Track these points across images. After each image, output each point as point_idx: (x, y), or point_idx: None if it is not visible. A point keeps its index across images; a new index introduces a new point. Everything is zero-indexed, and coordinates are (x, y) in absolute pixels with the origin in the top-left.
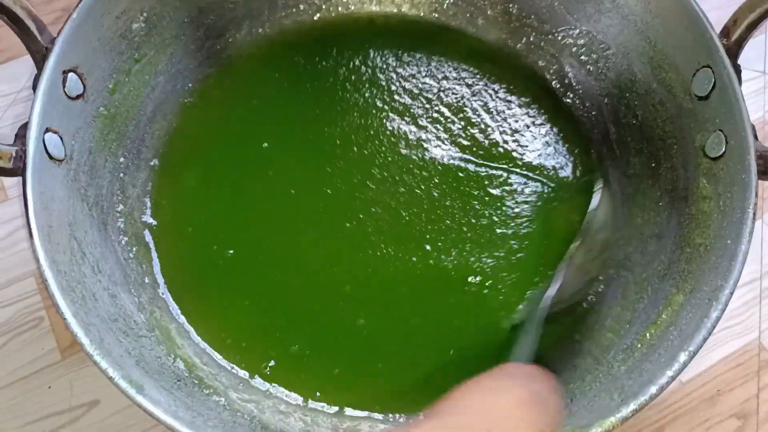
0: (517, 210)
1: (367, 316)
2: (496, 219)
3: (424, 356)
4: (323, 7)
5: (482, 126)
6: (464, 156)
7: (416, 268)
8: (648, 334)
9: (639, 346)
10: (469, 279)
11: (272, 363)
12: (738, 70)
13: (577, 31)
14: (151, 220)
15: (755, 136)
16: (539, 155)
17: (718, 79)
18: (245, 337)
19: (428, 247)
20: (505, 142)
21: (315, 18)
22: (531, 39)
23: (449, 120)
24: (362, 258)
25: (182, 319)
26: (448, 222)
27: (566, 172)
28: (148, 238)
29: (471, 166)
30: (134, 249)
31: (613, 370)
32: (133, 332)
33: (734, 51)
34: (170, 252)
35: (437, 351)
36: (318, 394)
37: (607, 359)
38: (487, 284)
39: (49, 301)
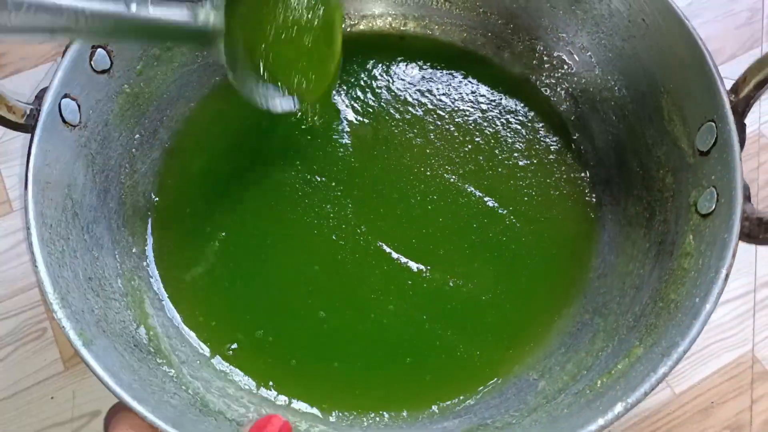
0: (499, 238)
1: (328, 310)
2: (479, 241)
3: (380, 361)
4: (358, 22)
5: (489, 154)
6: (466, 183)
7: (388, 273)
8: (599, 382)
9: (588, 392)
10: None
11: (235, 345)
12: (742, 129)
13: (596, 73)
14: (153, 197)
15: (747, 197)
16: (539, 197)
17: (720, 134)
18: (216, 316)
19: (415, 266)
20: (510, 177)
21: (350, 30)
22: (552, 77)
23: (458, 140)
24: (337, 257)
25: (161, 291)
26: (434, 234)
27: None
28: (147, 212)
29: (471, 188)
30: (130, 220)
31: (556, 412)
32: (104, 294)
33: (741, 109)
34: (165, 228)
35: (394, 358)
36: (271, 383)
37: (556, 401)
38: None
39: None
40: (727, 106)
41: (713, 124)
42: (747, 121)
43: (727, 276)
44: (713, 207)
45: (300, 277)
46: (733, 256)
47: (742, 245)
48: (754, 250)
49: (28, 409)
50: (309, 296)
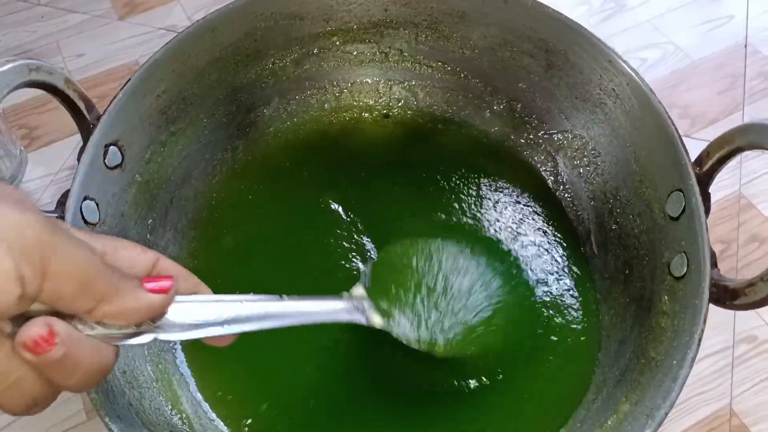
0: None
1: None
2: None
3: None
4: (345, 90)
5: (476, 217)
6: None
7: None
8: None
9: None
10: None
11: (249, 421)
12: (707, 198)
13: (572, 135)
14: None
15: (714, 264)
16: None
17: (687, 204)
18: (231, 390)
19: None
20: (498, 240)
21: (335, 102)
22: (531, 136)
23: (444, 202)
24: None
25: (186, 370)
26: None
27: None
28: None
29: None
30: None
31: None
32: (138, 383)
33: (705, 180)
34: None
35: None
36: None
37: None
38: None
39: None
40: (694, 179)
41: (681, 193)
42: (727, 181)
43: (699, 340)
44: (685, 271)
45: (300, 354)
46: (704, 321)
47: None
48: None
49: None
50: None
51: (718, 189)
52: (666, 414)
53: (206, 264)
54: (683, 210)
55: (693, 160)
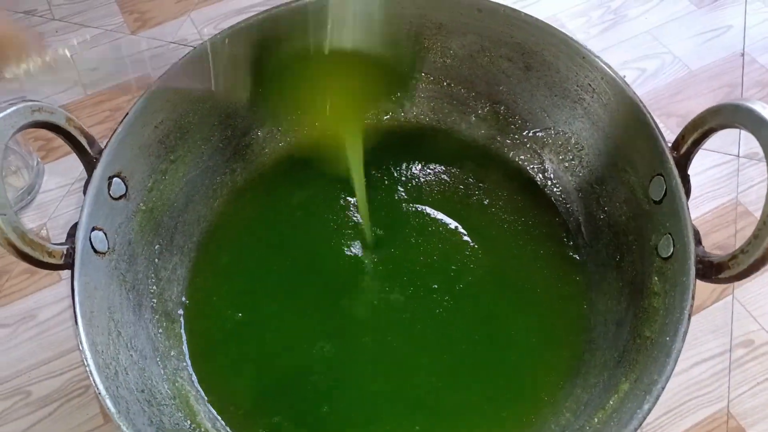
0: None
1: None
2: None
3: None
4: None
5: (469, 217)
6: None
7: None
8: (596, 419)
9: (587, 428)
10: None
11: None
12: (686, 180)
13: (555, 132)
14: (182, 299)
15: (699, 242)
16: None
17: (668, 187)
18: (244, 404)
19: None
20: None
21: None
22: (516, 136)
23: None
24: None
25: (198, 386)
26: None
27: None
28: (177, 314)
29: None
30: (164, 325)
31: None
32: (156, 401)
33: (683, 163)
34: (195, 326)
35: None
36: None
37: None
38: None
39: None
40: (672, 162)
41: (662, 177)
42: (724, 189)
43: (689, 315)
44: (671, 251)
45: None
46: (693, 297)
47: (718, 306)
48: (731, 312)
49: None
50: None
51: (716, 197)
52: (662, 388)
53: (213, 280)
54: (665, 193)
55: (670, 145)
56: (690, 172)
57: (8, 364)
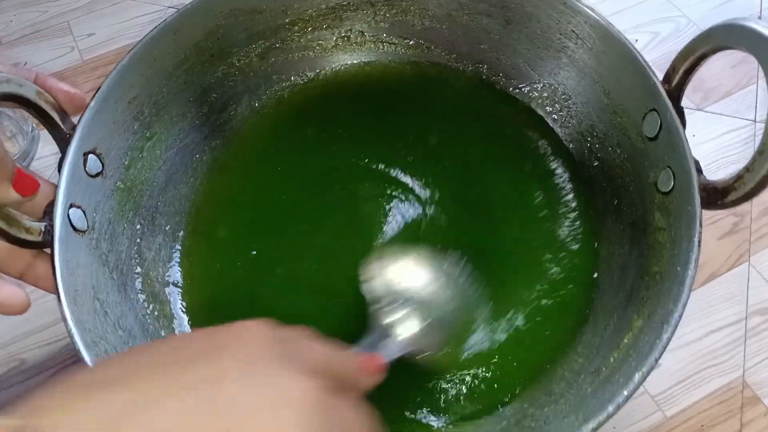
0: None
1: None
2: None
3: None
4: (312, 76)
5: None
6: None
7: None
8: (612, 358)
9: (604, 369)
10: None
11: None
12: (681, 113)
13: (541, 84)
14: (169, 279)
15: (699, 170)
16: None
17: (663, 121)
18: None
19: None
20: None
21: (306, 93)
22: (502, 93)
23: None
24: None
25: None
26: None
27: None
28: (165, 295)
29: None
30: (151, 306)
31: (581, 392)
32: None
33: (676, 95)
34: (184, 307)
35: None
36: None
37: (577, 382)
38: None
39: None
40: (665, 95)
41: (656, 112)
42: (740, 155)
43: (699, 242)
44: (672, 184)
45: None
46: (701, 224)
47: (734, 273)
48: (747, 280)
49: None
50: None
51: (732, 162)
52: (680, 317)
53: (200, 260)
54: (660, 127)
55: (660, 79)
56: (704, 137)
57: (2, 332)
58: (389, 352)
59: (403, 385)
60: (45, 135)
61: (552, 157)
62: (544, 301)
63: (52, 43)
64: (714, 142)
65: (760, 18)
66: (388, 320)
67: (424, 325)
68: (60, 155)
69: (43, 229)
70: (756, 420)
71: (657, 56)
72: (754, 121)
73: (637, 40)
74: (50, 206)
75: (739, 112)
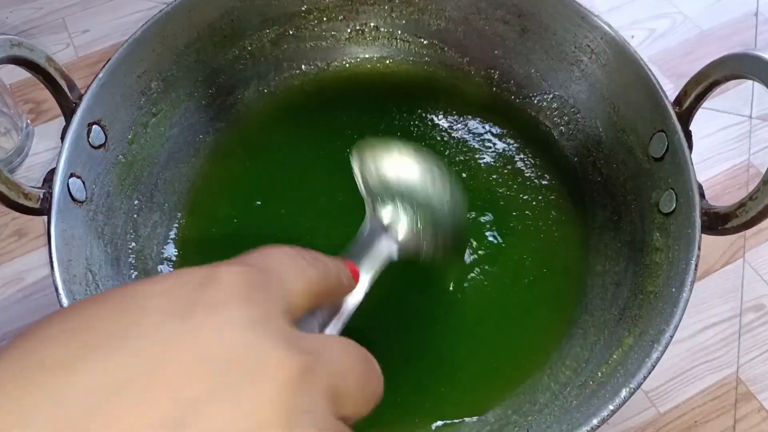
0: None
1: None
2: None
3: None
4: (323, 66)
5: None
6: None
7: None
8: (600, 373)
9: (591, 383)
10: None
11: None
12: (688, 136)
13: (551, 96)
14: (163, 257)
15: (702, 195)
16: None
17: (670, 142)
18: None
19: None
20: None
21: (315, 84)
22: (511, 101)
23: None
24: None
25: None
26: None
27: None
28: (157, 272)
29: None
30: None
31: (566, 405)
32: None
33: (685, 118)
34: None
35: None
36: None
37: (563, 394)
38: None
39: None
40: (674, 117)
41: (663, 133)
42: (736, 151)
43: (696, 266)
44: (674, 206)
45: None
46: (699, 248)
47: (728, 269)
48: (741, 275)
49: None
50: None
51: (727, 158)
52: (671, 337)
53: (195, 239)
54: (666, 149)
55: (672, 100)
56: (700, 133)
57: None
58: (390, 250)
59: (386, 387)
60: (39, 131)
61: (555, 169)
62: (533, 311)
63: (48, 39)
64: (710, 138)
65: (756, 15)
66: (387, 220)
67: (421, 224)
68: (64, 124)
69: (41, 196)
70: (749, 416)
71: (654, 53)
72: (750, 117)
73: (633, 36)
74: (50, 174)
75: (735, 108)
